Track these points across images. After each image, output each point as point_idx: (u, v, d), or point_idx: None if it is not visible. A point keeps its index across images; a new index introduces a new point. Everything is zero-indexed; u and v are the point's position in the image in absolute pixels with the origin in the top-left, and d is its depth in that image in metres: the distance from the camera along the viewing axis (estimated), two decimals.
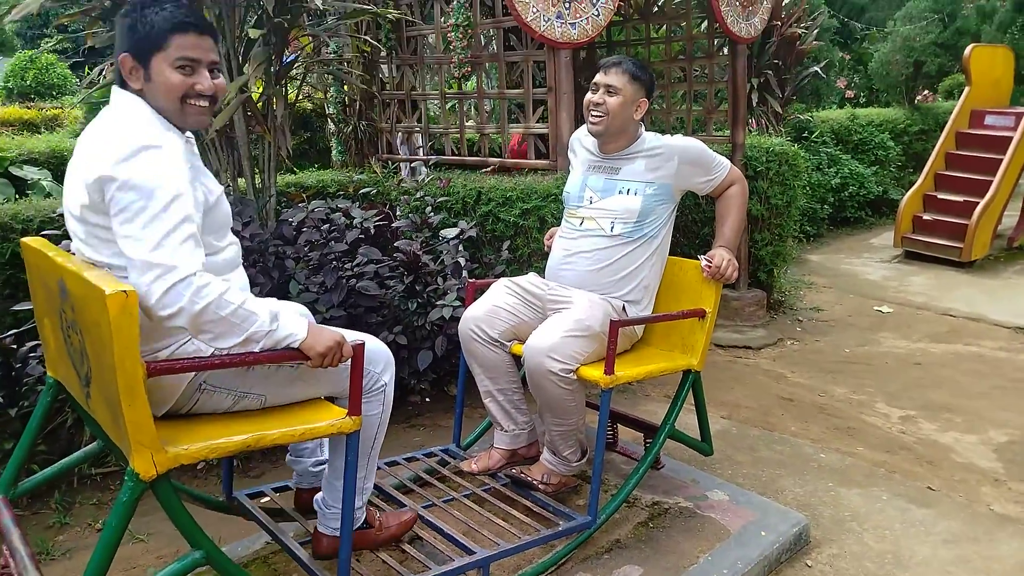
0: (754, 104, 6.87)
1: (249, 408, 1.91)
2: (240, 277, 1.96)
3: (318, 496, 2.20)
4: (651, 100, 2.76)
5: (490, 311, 2.68)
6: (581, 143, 2.88)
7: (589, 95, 2.68)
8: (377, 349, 2.08)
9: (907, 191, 7.35)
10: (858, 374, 4.36)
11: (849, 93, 11.45)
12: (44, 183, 4.66)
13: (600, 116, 2.65)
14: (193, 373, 1.79)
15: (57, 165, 5.50)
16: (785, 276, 5.61)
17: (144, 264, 1.60)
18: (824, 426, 3.68)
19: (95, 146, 1.71)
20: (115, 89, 1.82)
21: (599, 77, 2.68)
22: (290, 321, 1.77)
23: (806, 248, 7.38)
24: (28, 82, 11.62)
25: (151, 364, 1.59)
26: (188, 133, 1.88)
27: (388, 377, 2.09)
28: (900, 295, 5.96)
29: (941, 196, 7.15)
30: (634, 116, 2.69)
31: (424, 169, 4.17)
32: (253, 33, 3.08)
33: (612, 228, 2.67)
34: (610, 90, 2.64)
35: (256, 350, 1.73)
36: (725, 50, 4.96)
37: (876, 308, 5.63)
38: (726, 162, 2.76)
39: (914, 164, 8.83)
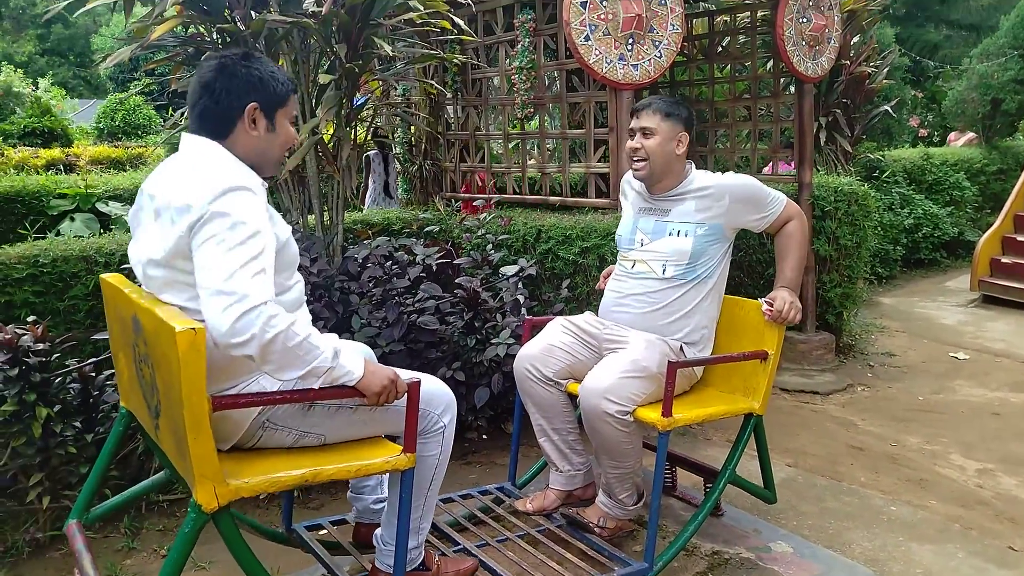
0: (822, 143, 6.76)
1: (309, 445, 1.96)
2: (304, 315, 2.02)
3: (377, 532, 2.22)
4: (691, 132, 2.72)
5: (545, 350, 2.69)
6: (631, 186, 2.88)
7: (628, 142, 2.68)
8: (438, 390, 2.10)
9: (984, 232, 7.07)
10: (932, 423, 4.17)
11: (923, 132, 11.17)
12: (127, 218, 4.90)
13: (642, 160, 2.65)
14: (258, 411, 1.85)
15: None
16: (855, 319, 5.44)
17: (218, 292, 1.65)
18: (895, 477, 3.52)
19: (182, 191, 1.76)
20: (190, 136, 1.89)
21: (633, 122, 2.68)
22: (349, 359, 1.81)
23: (878, 290, 7.15)
24: (117, 122, 12.30)
25: (216, 399, 1.65)
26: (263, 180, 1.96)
27: (448, 419, 2.11)
28: (977, 341, 5.70)
29: (1021, 239, 6.86)
30: (676, 152, 2.67)
31: None
32: (324, 78, 3.20)
33: (664, 271, 2.65)
34: (645, 132, 2.64)
35: (315, 386, 1.77)
36: (791, 89, 4.91)
37: (952, 354, 5.40)
38: (782, 197, 2.71)
39: (992, 205, 8.52)
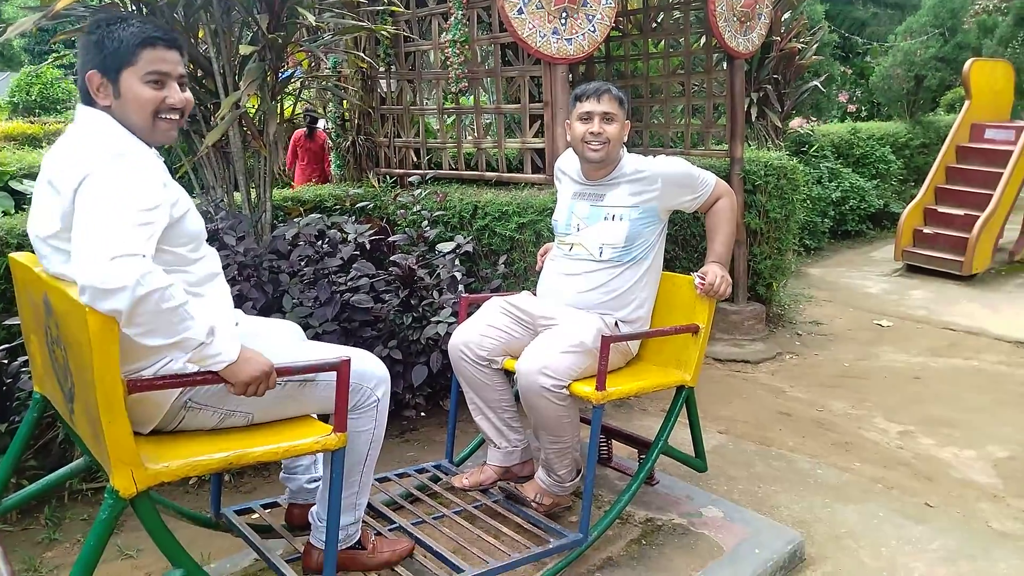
0: (753, 118, 6.88)
1: (235, 425, 1.90)
2: (220, 289, 1.95)
3: (313, 509, 2.20)
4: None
5: (479, 330, 2.68)
6: (564, 171, 2.88)
7: (583, 125, 2.64)
8: (370, 366, 2.07)
9: (908, 204, 7.33)
10: (857, 388, 4.33)
11: (851, 107, 11.47)
12: None
13: (602, 145, 2.64)
14: (179, 391, 1.79)
15: None
16: (784, 290, 5.59)
17: (89, 240, 1.54)
18: (822, 441, 3.65)
19: (67, 162, 1.69)
20: (80, 107, 1.81)
21: (591, 105, 2.64)
22: (224, 341, 1.69)
23: (806, 261, 7.36)
24: (33, 97, 11.72)
25: (131, 381, 1.59)
26: (154, 149, 1.87)
27: (381, 393, 2.08)
28: (900, 309, 5.93)
29: (942, 210, 7.13)
30: (624, 139, 2.69)
31: None
32: (245, 49, 3.10)
33: (601, 253, 2.67)
34: (607, 117, 2.63)
35: (181, 362, 1.68)
36: (723, 65, 4.97)
37: (876, 322, 5.60)
38: (711, 177, 2.75)
39: (915, 178, 8.83)
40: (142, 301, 1.52)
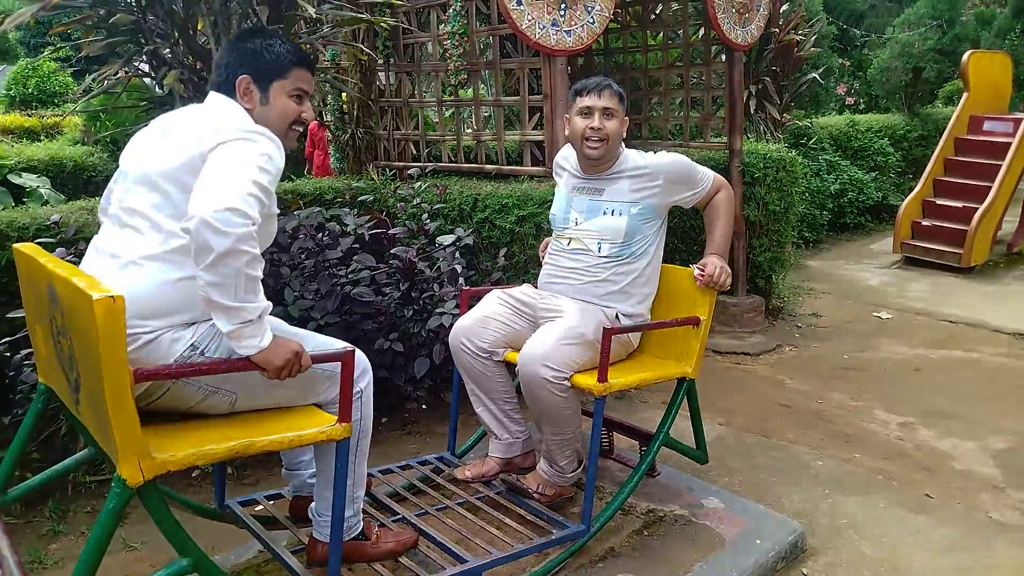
0: (752, 111, 6.87)
1: (219, 404, 1.90)
2: None
3: (312, 505, 2.20)
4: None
5: (480, 322, 2.68)
6: (563, 165, 2.88)
7: (583, 121, 2.64)
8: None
9: (906, 197, 7.34)
10: (857, 380, 4.35)
11: (849, 99, 11.46)
12: (42, 191, 4.68)
13: (601, 141, 2.63)
14: (169, 363, 1.79)
15: (56, 173, 5.53)
16: (784, 282, 5.60)
17: (223, 184, 1.67)
18: (822, 433, 3.66)
19: (211, 122, 1.85)
20: (215, 93, 1.97)
21: (592, 100, 2.63)
22: (265, 327, 1.76)
23: (805, 254, 7.37)
24: (30, 90, 11.67)
25: (138, 370, 1.59)
26: None
27: (364, 384, 2.09)
28: (899, 301, 5.94)
29: (940, 202, 7.14)
30: (623, 134, 2.70)
31: None
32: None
33: (600, 249, 2.67)
34: (608, 113, 2.63)
35: (224, 329, 1.70)
36: (722, 57, 4.97)
37: (875, 314, 5.61)
38: (710, 173, 2.76)
39: (913, 170, 8.83)
40: (236, 255, 1.63)
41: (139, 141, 1.98)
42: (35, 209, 3.41)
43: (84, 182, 5.69)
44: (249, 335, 1.71)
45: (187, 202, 1.71)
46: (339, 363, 1.88)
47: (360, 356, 2.09)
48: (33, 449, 2.82)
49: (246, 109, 1.94)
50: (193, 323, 1.85)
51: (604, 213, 2.68)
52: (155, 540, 2.65)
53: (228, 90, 1.96)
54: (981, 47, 9.56)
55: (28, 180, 4.88)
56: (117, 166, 2.02)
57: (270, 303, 1.77)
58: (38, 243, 2.65)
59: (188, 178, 1.77)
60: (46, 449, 2.89)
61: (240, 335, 1.71)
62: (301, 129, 2.07)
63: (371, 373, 2.12)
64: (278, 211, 2.00)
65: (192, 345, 1.82)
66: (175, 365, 1.71)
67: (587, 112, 2.64)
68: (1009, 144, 6.98)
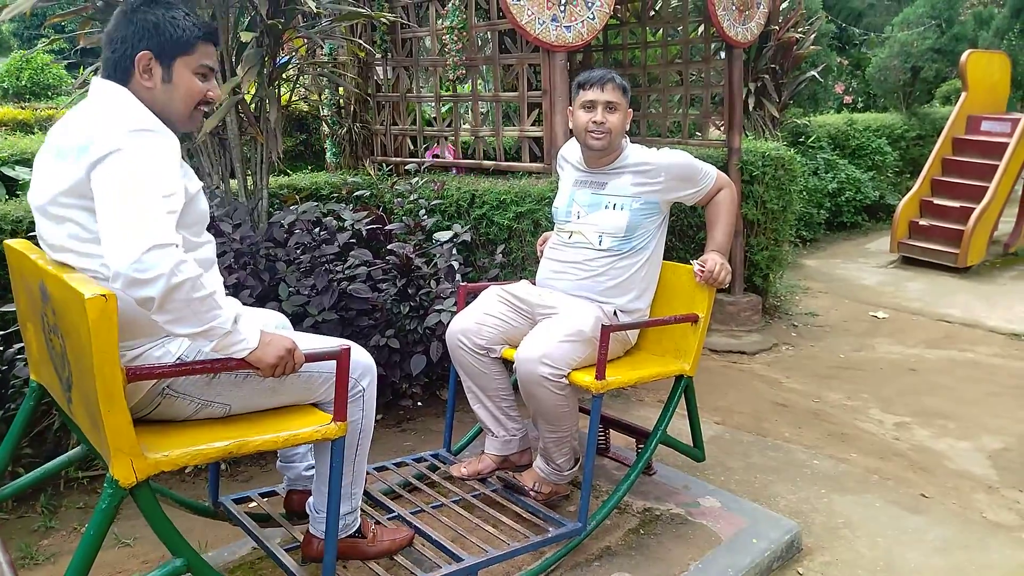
0: (751, 108, 6.86)
1: (212, 415, 1.87)
2: (215, 278, 1.93)
3: (309, 501, 2.19)
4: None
5: (477, 319, 2.67)
6: (567, 158, 2.87)
7: (586, 114, 2.62)
8: (355, 356, 2.04)
9: (904, 196, 7.34)
10: (853, 380, 4.34)
11: (847, 98, 11.46)
12: None
13: (604, 134, 2.62)
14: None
15: None
16: (781, 281, 5.59)
17: (123, 224, 1.54)
18: (818, 432, 3.66)
19: (84, 133, 1.67)
20: (99, 80, 1.79)
21: (595, 94, 2.62)
22: (245, 327, 1.71)
23: (802, 253, 7.37)
24: (24, 82, 11.59)
25: (131, 369, 1.57)
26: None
27: (367, 383, 2.07)
28: (896, 300, 5.94)
29: (937, 201, 7.14)
30: (626, 128, 2.68)
31: None
32: (245, 36, 3.06)
33: (601, 242, 2.66)
34: (610, 106, 2.62)
35: (207, 348, 1.68)
36: (722, 54, 4.95)
37: (872, 313, 5.62)
38: (713, 170, 2.75)
39: (911, 169, 8.84)
40: (176, 289, 1.54)
41: (36, 167, 1.82)
42: (28, 202, 3.38)
43: None
44: (233, 342, 1.68)
45: (81, 225, 1.63)
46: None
47: (363, 355, 2.07)
48: (25, 445, 2.80)
49: (146, 88, 1.77)
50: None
51: (606, 207, 2.67)
52: (147, 536, 2.64)
53: (122, 69, 1.76)
54: (979, 47, 9.55)
55: (21, 173, 4.83)
56: None
57: (237, 304, 1.73)
58: (31, 237, 2.63)
59: (85, 201, 1.65)
60: (38, 445, 2.87)
61: (224, 347, 1.68)
62: (206, 109, 1.90)
63: (375, 372, 2.09)
64: (201, 183, 1.88)
65: (178, 359, 1.78)
66: (169, 364, 1.69)
67: (590, 105, 2.63)
68: (1007, 144, 6.98)
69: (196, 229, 1.86)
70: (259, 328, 1.75)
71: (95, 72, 3.46)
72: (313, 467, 2.37)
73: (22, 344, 2.74)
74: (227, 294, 1.99)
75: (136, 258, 1.51)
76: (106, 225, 1.57)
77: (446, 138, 4.58)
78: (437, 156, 4.74)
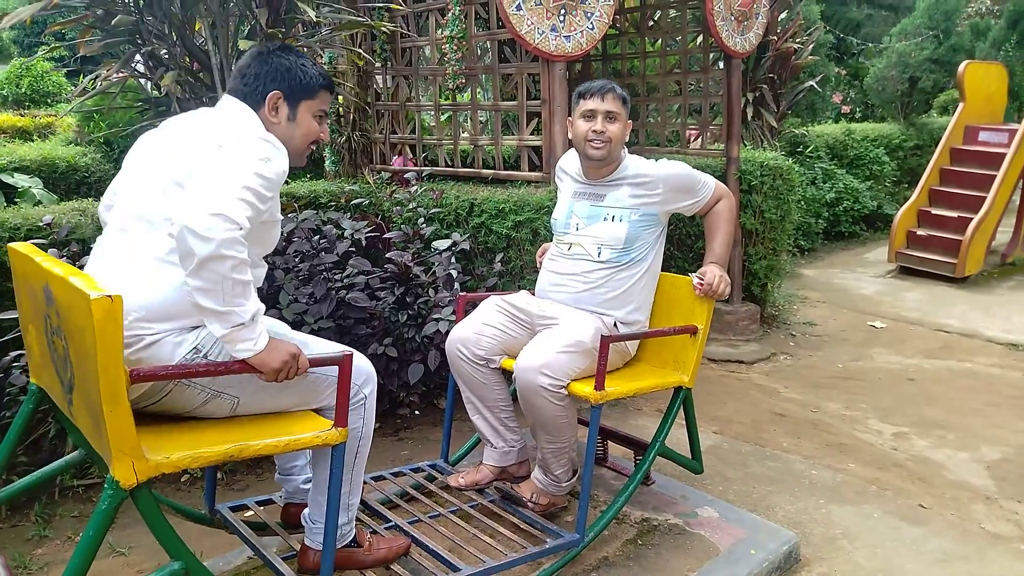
0: (749, 118, 6.88)
1: (220, 408, 1.89)
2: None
3: (305, 511, 2.18)
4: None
5: (476, 329, 2.67)
6: (566, 170, 2.88)
7: (586, 123, 2.63)
8: (358, 363, 2.06)
9: (901, 206, 7.35)
10: (851, 390, 4.34)
11: (845, 108, 11.49)
12: (35, 191, 4.64)
13: (604, 143, 2.63)
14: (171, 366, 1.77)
15: (48, 173, 5.49)
16: (779, 290, 5.60)
17: (212, 190, 1.68)
18: (816, 442, 3.65)
19: (216, 128, 1.88)
20: (232, 98, 1.98)
21: (595, 103, 2.63)
22: (259, 330, 1.75)
23: (800, 262, 7.38)
24: (23, 89, 11.61)
25: (134, 370, 1.57)
26: None
27: (369, 391, 2.08)
28: (894, 310, 5.95)
29: (935, 211, 7.16)
30: (626, 138, 2.69)
31: None
32: (244, 45, 3.07)
33: (600, 254, 2.66)
34: (611, 116, 2.62)
35: (217, 334, 1.71)
36: (720, 64, 4.97)
37: (870, 323, 5.62)
38: (712, 181, 2.75)
39: (909, 179, 8.86)
40: (220, 260, 1.63)
41: (148, 143, 1.98)
42: (27, 209, 3.38)
43: (77, 183, 5.64)
44: (243, 338, 1.71)
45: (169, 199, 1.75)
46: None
47: (365, 362, 2.09)
48: (20, 452, 2.78)
49: (271, 123, 1.97)
50: (197, 327, 1.84)
51: (605, 219, 2.67)
52: (142, 545, 2.63)
53: (253, 101, 1.97)
54: (976, 58, 9.61)
55: (20, 180, 4.83)
56: (110, 167, 2.02)
57: (263, 306, 1.77)
58: (31, 243, 2.63)
59: (189, 173, 1.79)
60: (34, 452, 2.85)
61: (234, 339, 1.70)
62: (315, 148, 2.13)
63: (375, 380, 2.11)
64: (280, 217, 1.99)
65: (195, 348, 1.81)
66: (172, 366, 1.69)
67: (590, 115, 2.63)
68: (1004, 154, 7.00)
69: (259, 251, 1.95)
70: (267, 334, 1.78)
71: (95, 82, 3.48)
72: (311, 480, 2.36)
73: (19, 352, 2.74)
74: None
75: (205, 215, 1.63)
76: (197, 185, 1.71)
77: (402, 148, 4.64)
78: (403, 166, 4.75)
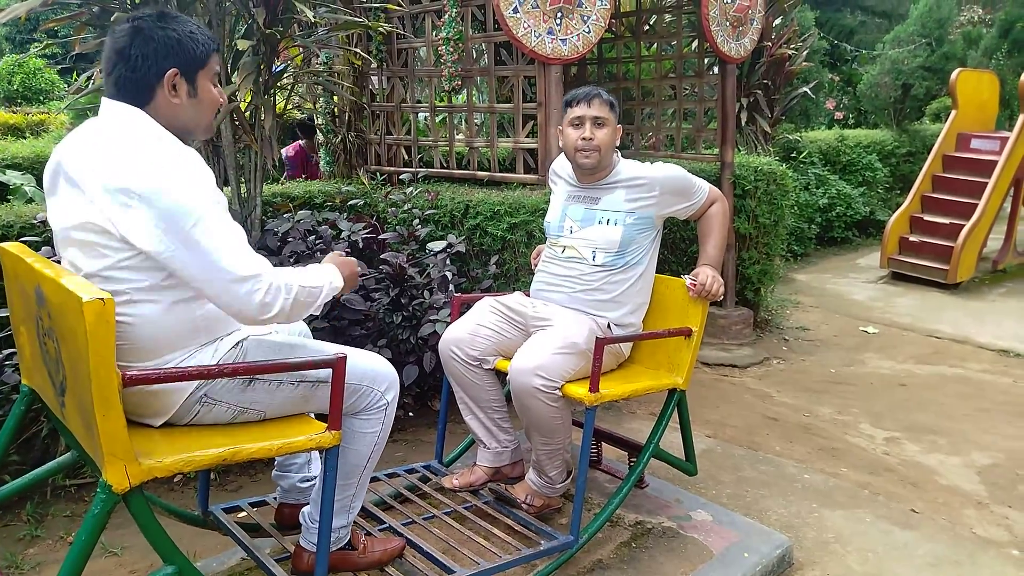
0: (743, 123, 6.90)
1: (248, 421, 1.90)
2: None
3: (305, 509, 2.17)
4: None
5: (470, 330, 2.66)
6: (559, 173, 2.88)
7: (575, 131, 2.63)
8: (383, 368, 2.06)
9: (894, 212, 7.40)
10: (843, 394, 4.36)
11: (838, 114, 11.56)
12: (27, 188, 4.61)
13: (593, 151, 2.63)
14: (194, 385, 1.78)
15: (41, 171, 5.45)
16: (772, 295, 5.61)
17: (234, 278, 1.66)
18: (809, 446, 3.67)
19: (111, 160, 1.65)
20: (110, 102, 1.75)
21: (582, 110, 2.62)
22: (326, 274, 1.88)
23: (793, 267, 7.41)
24: (15, 86, 11.56)
25: (127, 374, 1.56)
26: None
27: (391, 397, 2.07)
28: (886, 316, 5.98)
29: (927, 218, 7.20)
30: (616, 143, 2.69)
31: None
32: (242, 44, 3.06)
33: (594, 257, 2.66)
34: (599, 122, 2.63)
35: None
36: (715, 69, 4.99)
37: (862, 328, 5.64)
38: (705, 185, 2.76)
39: (901, 186, 8.91)
40: (293, 308, 1.76)
41: (53, 191, 1.81)
42: (20, 207, 3.36)
43: None
44: (332, 291, 1.89)
45: (113, 244, 1.66)
46: (370, 375, 1.98)
47: (390, 370, 2.08)
48: (13, 452, 2.77)
49: (172, 104, 1.75)
50: (213, 341, 1.84)
51: (599, 222, 2.67)
52: (135, 545, 2.62)
53: (144, 87, 1.72)
54: (968, 66, 9.68)
55: (12, 178, 4.80)
56: None
57: (315, 269, 1.88)
58: (23, 242, 2.61)
59: (105, 230, 1.66)
60: (26, 452, 2.84)
61: (330, 295, 1.88)
62: (216, 114, 1.97)
63: (398, 386, 2.10)
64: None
65: (218, 365, 1.80)
66: (164, 370, 1.68)
67: (578, 122, 2.64)
68: (995, 162, 7.05)
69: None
70: (324, 269, 1.91)
71: (89, 79, 3.47)
72: (309, 480, 2.36)
73: (10, 350, 2.73)
74: None
75: (257, 306, 1.69)
76: (212, 280, 1.66)
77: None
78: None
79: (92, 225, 1.66)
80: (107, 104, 1.76)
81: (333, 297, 1.92)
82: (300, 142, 6.38)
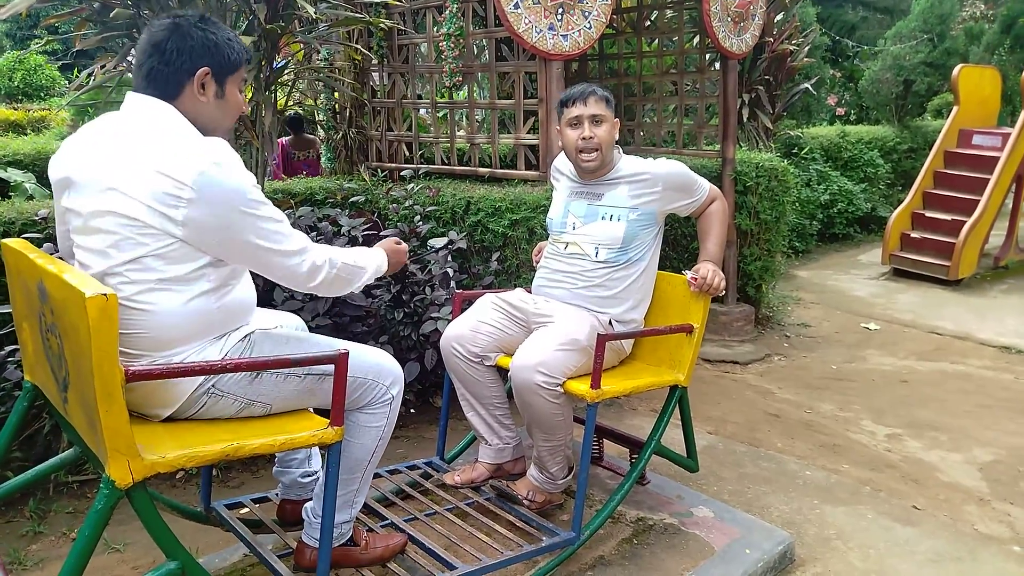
0: (744, 119, 6.90)
1: (253, 415, 1.91)
2: (248, 281, 1.97)
3: (308, 505, 2.17)
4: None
5: (472, 327, 2.66)
6: (561, 170, 2.88)
7: (573, 131, 2.63)
8: (388, 362, 2.07)
9: (895, 209, 7.38)
10: (844, 391, 4.36)
11: (840, 110, 11.54)
12: (28, 185, 4.61)
13: (595, 151, 2.62)
14: (202, 377, 1.79)
15: (42, 167, 5.45)
16: (773, 291, 5.61)
17: (285, 252, 1.82)
18: (810, 443, 3.67)
19: (151, 150, 1.68)
20: (138, 95, 1.77)
21: (579, 109, 2.61)
22: (375, 259, 2.09)
23: (794, 264, 7.40)
24: (16, 83, 11.55)
25: (129, 369, 1.56)
26: None
27: (396, 391, 2.07)
28: (887, 312, 5.97)
29: (929, 214, 7.19)
30: (615, 138, 2.68)
31: None
32: (245, 41, 3.05)
33: (597, 253, 2.66)
34: (596, 120, 2.62)
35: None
36: (716, 65, 4.98)
37: (863, 325, 5.64)
38: (706, 183, 2.76)
39: (903, 182, 8.90)
40: (334, 281, 1.96)
41: (61, 181, 1.80)
42: (21, 204, 3.36)
43: None
44: (376, 273, 2.08)
45: (150, 231, 1.67)
46: (375, 369, 2.01)
47: (395, 363, 2.09)
48: (15, 448, 2.77)
49: (199, 102, 1.79)
50: (222, 336, 1.84)
51: (602, 218, 2.67)
52: (138, 541, 2.62)
53: (174, 82, 1.76)
54: (970, 61, 9.65)
55: (14, 174, 4.80)
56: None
57: (361, 251, 2.06)
58: (25, 238, 2.61)
59: (140, 220, 1.67)
60: (28, 448, 2.84)
61: (374, 276, 2.07)
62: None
63: (403, 382, 2.11)
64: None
65: (220, 360, 1.80)
66: (167, 366, 1.68)
67: (576, 122, 2.63)
68: (997, 158, 7.04)
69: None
70: (374, 254, 2.11)
71: (90, 76, 3.46)
72: (310, 475, 2.36)
73: (13, 347, 2.73)
74: None
75: (306, 276, 1.88)
76: (273, 260, 1.83)
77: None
78: None
79: (123, 216, 1.68)
80: (133, 98, 1.79)
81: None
82: (283, 139, 6.23)
